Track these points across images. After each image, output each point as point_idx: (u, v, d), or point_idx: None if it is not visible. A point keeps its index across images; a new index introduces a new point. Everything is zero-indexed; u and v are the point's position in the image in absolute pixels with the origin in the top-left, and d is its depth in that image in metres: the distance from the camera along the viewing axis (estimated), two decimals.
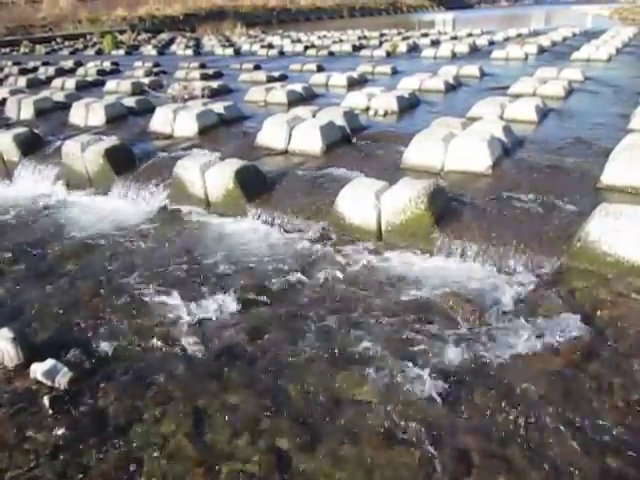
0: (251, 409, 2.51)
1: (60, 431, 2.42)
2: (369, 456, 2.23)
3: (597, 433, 2.27)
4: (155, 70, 12.17)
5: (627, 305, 3.06)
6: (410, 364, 2.72)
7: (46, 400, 2.57)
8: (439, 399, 2.50)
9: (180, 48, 17.91)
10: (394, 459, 2.21)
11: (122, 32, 25.69)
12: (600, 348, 2.77)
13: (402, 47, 14.52)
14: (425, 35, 18.71)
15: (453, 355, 2.78)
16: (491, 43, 15.48)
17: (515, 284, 3.36)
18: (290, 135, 5.65)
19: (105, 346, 3.00)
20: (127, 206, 5.07)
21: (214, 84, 9.00)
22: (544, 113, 6.51)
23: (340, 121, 5.87)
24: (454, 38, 17.52)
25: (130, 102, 7.80)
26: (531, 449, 2.22)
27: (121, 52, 17.85)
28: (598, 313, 3.02)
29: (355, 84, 9.22)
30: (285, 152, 5.62)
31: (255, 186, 4.65)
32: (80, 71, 12.46)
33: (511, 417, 2.38)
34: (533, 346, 2.80)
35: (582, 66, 9.95)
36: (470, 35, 18.05)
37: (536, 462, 2.16)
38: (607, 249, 3.27)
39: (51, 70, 12.53)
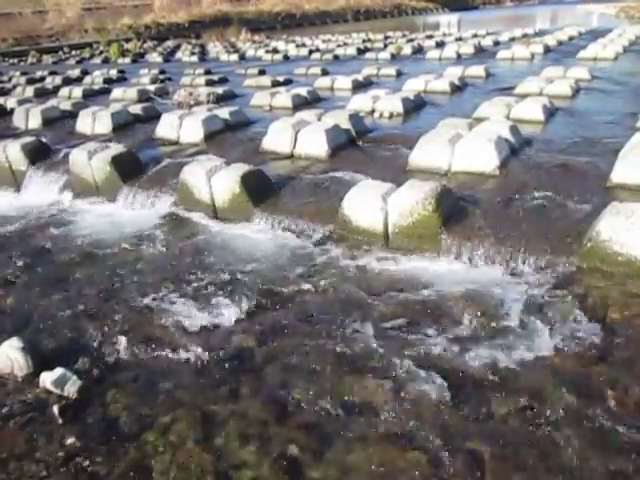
0: (260, 415, 2.49)
1: (70, 440, 2.41)
2: (380, 462, 2.20)
3: (612, 435, 2.23)
4: (161, 77, 12.23)
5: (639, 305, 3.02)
6: (419, 367, 2.69)
7: (56, 409, 2.57)
8: (449, 403, 2.47)
9: (185, 55, 18.02)
10: (405, 465, 2.18)
11: (128, 40, 25.88)
12: (613, 349, 2.73)
13: (407, 49, 14.50)
14: (430, 37, 18.69)
15: (463, 358, 2.75)
16: (496, 43, 15.43)
17: (525, 285, 3.32)
18: (295, 139, 5.65)
19: (114, 354, 3.00)
20: (134, 213, 5.08)
21: (219, 90, 9.04)
22: (551, 112, 6.47)
23: (345, 124, 5.86)
24: (459, 39, 17.48)
25: (136, 109, 7.84)
26: (545, 452, 2.18)
27: (127, 60, 17.98)
28: (610, 314, 2.98)
29: (360, 87, 9.21)
30: (291, 156, 5.62)
31: (261, 190, 4.65)
32: (87, 80, 12.55)
33: (524, 420, 2.35)
34: (544, 348, 2.76)
35: (589, 65, 9.88)
36: (475, 36, 17.99)
37: (550, 465, 2.12)
38: (618, 248, 3.23)
39: (58, 79, 12.63)
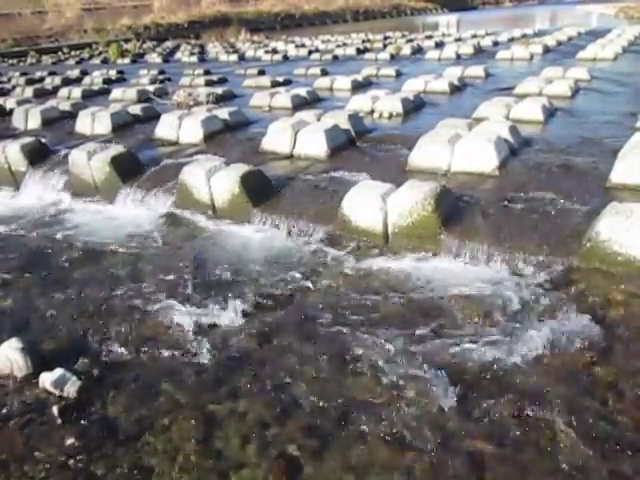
0: (260, 415, 2.49)
1: (70, 441, 2.41)
2: (380, 462, 2.20)
3: (611, 435, 2.23)
4: (160, 78, 12.23)
5: (639, 305, 3.02)
6: (419, 367, 2.69)
7: (55, 410, 2.57)
8: (449, 402, 2.47)
9: (185, 55, 18.02)
10: (405, 464, 2.18)
11: (127, 41, 25.89)
12: (612, 349, 2.73)
13: (406, 50, 14.50)
14: (429, 37, 18.70)
15: (462, 358, 2.75)
16: (495, 44, 15.43)
17: (524, 285, 3.32)
18: (295, 139, 5.65)
19: (113, 354, 3.00)
20: (133, 213, 5.07)
21: (219, 90, 9.04)
22: (551, 113, 6.47)
23: (345, 124, 5.86)
24: (458, 40, 17.49)
25: (136, 110, 7.84)
26: (544, 452, 2.18)
27: (126, 61, 17.99)
28: (610, 313, 2.98)
29: (359, 87, 9.22)
30: (290, 156, 5.62)
31: (261, 191, 4.65)
32: (86, 80, 12.55)
33: (523, 420, 2.35)
34: (543, 348, 2.76)
35: (588, 65, 9.88)
36: (474, 36, 18.00)
37: (549, 466, 2.12)
38: (618, 248, 3.23)
39: (57, 80, 12.63)
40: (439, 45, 15.81)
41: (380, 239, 3.99)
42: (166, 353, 2.99)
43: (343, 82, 9.40)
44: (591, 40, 14.06)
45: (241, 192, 4.55)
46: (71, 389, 2.66)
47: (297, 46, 18.22)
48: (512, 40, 16.46)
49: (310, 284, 3.60)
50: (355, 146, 5.72)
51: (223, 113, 6.93)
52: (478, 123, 5.41)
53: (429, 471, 2.14)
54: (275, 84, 10.08)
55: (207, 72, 12.61)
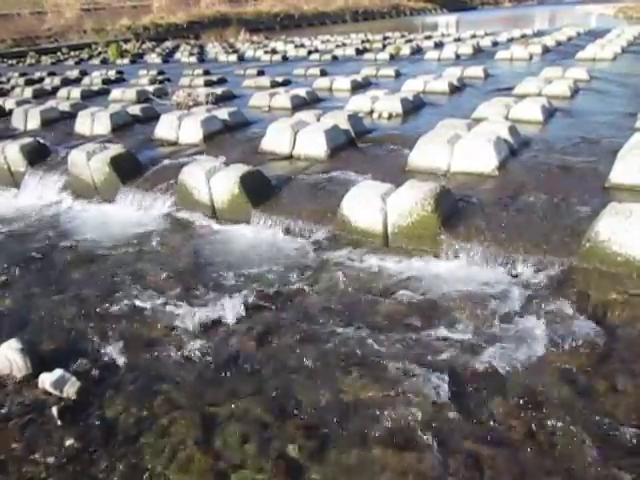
0: (260, 416, 2.49)
1: (69, 441, 2.41)
2: (379, 462, 2.20)
3: (611, 436, 2.23)
4: (160, 78, 12.23)
5: (639, 305, 3.02)
6: (418, 368, 2.69)
7: (55, 410, 2.56)
8: (448, 403, 2.47)
9: (184, 55, 18.04)
10: (405, 465, 2.18)
11: (127, 41, 25.91)
12: (612, 350, 2.73)
13: (405, 50, 14.51)
14: (428, 37, 18.71)
15: (462, 358, 2.75)
16: (495, 44, 15.44)
17: (524, 286, 3.32)
18: (294, 140, 5.65)
19: (113, 355, 2.99)
20: (133, 214, 5.07)
21: (218, 90, 9.04)
22: (550, 113, 6.47)
23: (344, 125, 5.86)
24: (457, 40, 17.49)
25: (135, 110, 7.84)
26: (544, 453, 2.18)
27: (126, 61, 17.99)
28: (609, 314, 2.98)
29: (359, 88, 9.21)
30: (290, 157, 5.62)
31: (260, 191, 4.65)
32: (85, 80, 12.56)
33: (522, 421, 2.35)
34: (543, 348, 2.76)
35: (587, 65, 9.89)
36: (474, 36, 18.01)
37: (549, 467, 2.12)
38: (617, 249, 3.23)
39: (57, 80, 12.63)
40: (438, 45, 15.82)
41: (380, 239, 3.98)
42: (165, 353, 2.99)
43: (342, 82, 9.40)
44: (590, 40, 14.06)
45: (241, 192, 4.55)
46: (70, 390, 2.66)
47: (296, 46, 18.24)
48: (511, 40, 16.47)
49: (310, 284, 3.59)
50: (355, 146, 5.72)
51: (222, 113, 6.93)
52: (477, 123, 5.41)
53: (427, 470, 2.14)
54: (274, 84, 10.08)
55: (206, 72, 12.61)
